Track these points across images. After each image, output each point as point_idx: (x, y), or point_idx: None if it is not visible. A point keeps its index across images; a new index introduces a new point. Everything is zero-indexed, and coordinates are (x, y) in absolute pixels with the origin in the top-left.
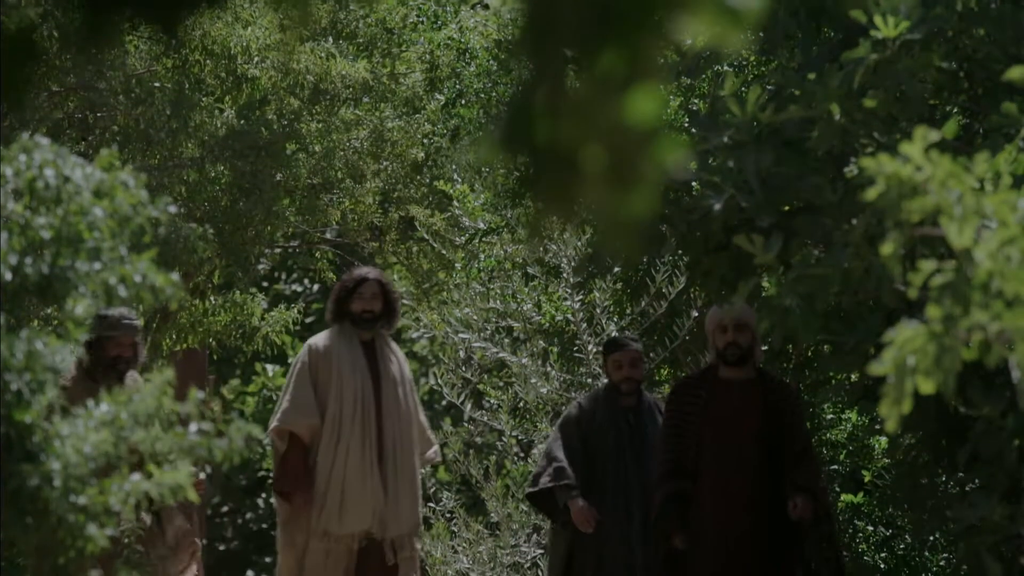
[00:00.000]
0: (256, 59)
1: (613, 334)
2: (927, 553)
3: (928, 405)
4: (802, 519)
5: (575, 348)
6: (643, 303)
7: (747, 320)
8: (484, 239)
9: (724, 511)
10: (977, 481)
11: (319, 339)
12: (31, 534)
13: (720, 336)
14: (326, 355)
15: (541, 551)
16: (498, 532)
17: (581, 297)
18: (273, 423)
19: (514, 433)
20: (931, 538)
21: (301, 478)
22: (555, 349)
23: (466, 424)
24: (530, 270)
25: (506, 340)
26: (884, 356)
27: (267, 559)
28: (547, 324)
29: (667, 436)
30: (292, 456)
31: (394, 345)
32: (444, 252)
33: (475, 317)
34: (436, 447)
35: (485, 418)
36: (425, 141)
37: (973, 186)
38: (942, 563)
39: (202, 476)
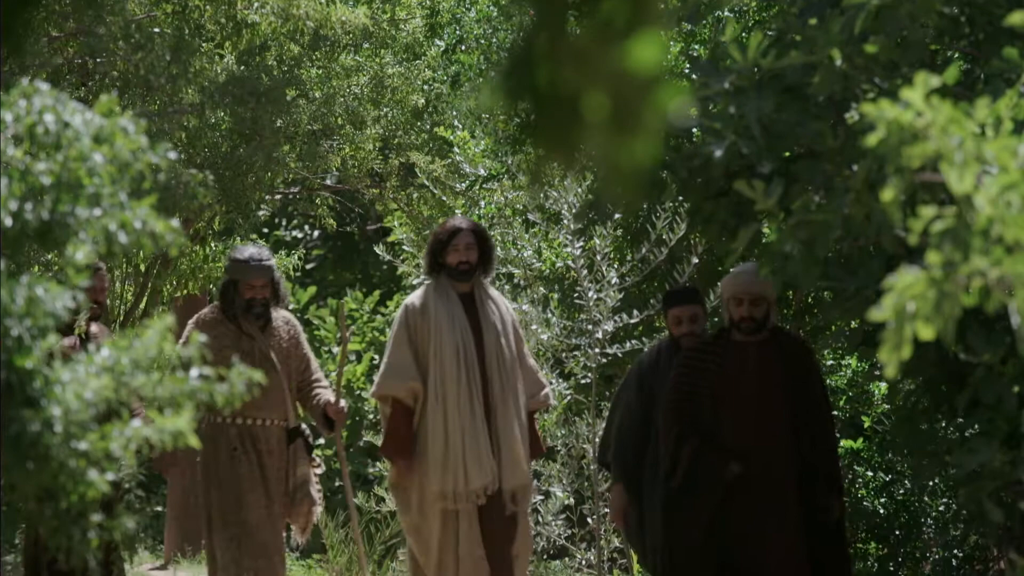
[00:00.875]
0: (256, 5)
1: (613, 280)
2: (926, 499)
3: (928, 351)
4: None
5: (576, 295)
6: (643, 249)
7: (763, 293)
8: (485, 186)
9: (745, 475)
10: (977, 427)
11: (415, 297)
12: (32, 479)
13: (735, 308)
14: (423, 312)
15: (540, 497)
16: None
17: (582, 244)
18: (372, 388)
19: None
20: (931, 484)
21: (404, 443)
22: (556, 296)
23: None
24: (531, 217)
25: (507, 287)
26: (884, 302)
27: None
28: (548, 271)
29: (679, 401)
30: (395, 421)
31: (495, 293)
32: (444, 199)
33: None
34: (547, 389)
35: None
36: (425, 87)
37: (974, 132)
38: (941, 508)
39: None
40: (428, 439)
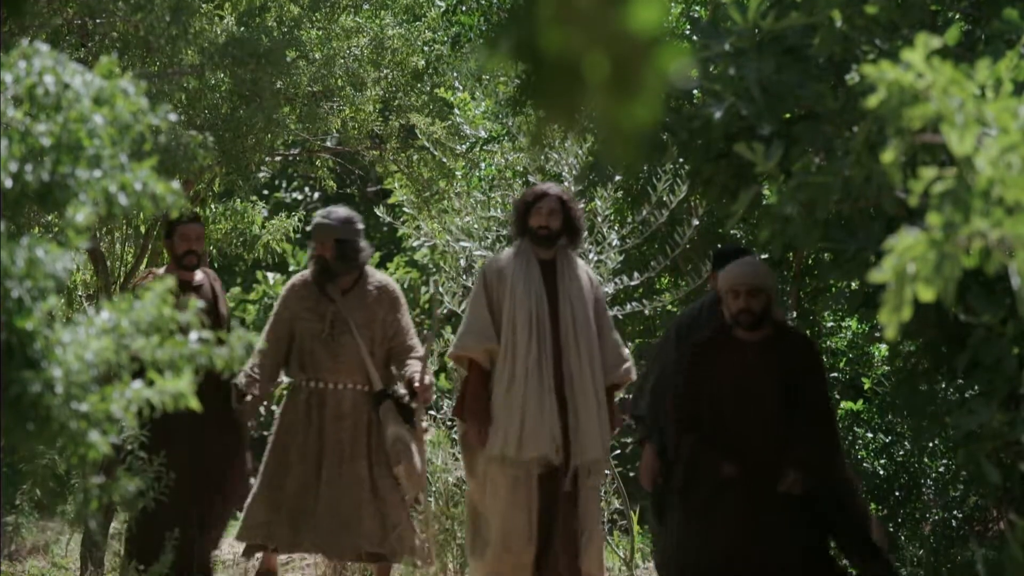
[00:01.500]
0: None
1: (613, 242)
2: (926, 459)
3: (928, 312)
4: (790, 492)
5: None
6: (644, 211)
7: (761, 284)
8: (485, 147)
9: (744, 474)
10: (976, 388)
11: (494, 259)
12: (32, 440)
13: (732, 300)
14: (500, 275)
15: None
16: None
17: (582, 205)
18: (449, 349)
19: None
20: (930, 445)
21: (480, 405)
22: None
23: None
24: (531, 178)
25: (508, 249)
26: (884, 264)
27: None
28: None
29: (684, 396)
30: (471, 381)
31: (580, 263)
32: (445, 160)
33: (476, 225)
34: (629, 364)
35: None
36: (426, 49)
37: (974, 93)
38: (941, 469)
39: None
40: (492, 402)
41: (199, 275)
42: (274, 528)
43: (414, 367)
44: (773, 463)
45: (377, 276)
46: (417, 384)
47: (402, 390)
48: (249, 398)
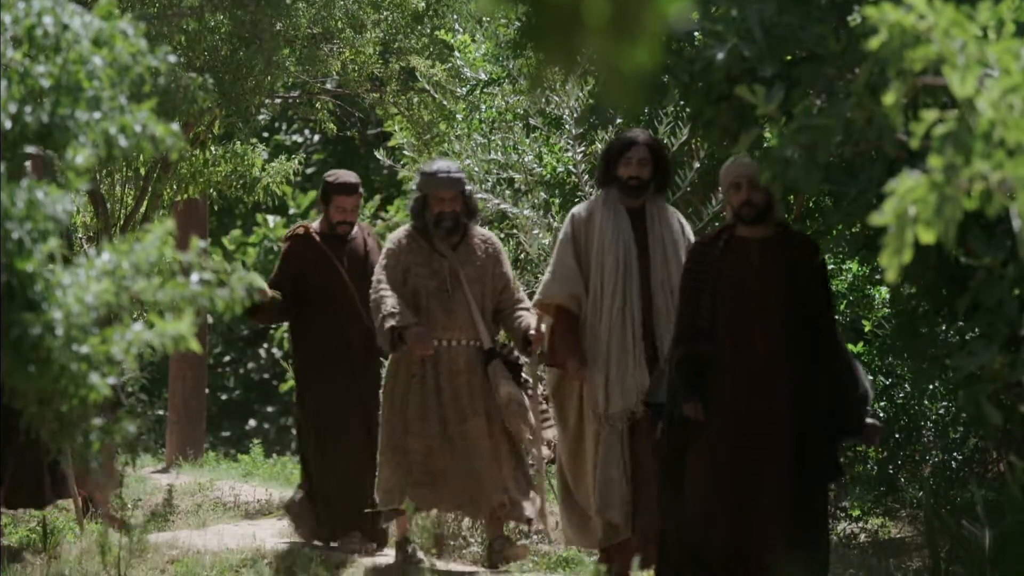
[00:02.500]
0: None
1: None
2: (926, 402)
3: (929, 255)
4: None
5: (576, 200)
6: None
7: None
8: (485, 90)
9: (744, 376)
10: (977, 330)
11: (583, 207)
12: (33, 382)
13: (734, 194)
14: (588, 223)
15: None
16: None
17: (583, 148)
18: (535, 297)
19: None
20: (930, 387)
21: (573, 346)
22: (557, 201)
23: None
24: (532, 121)
25: (507, 192)
26: (885, 206)
27: (268, 408)
28: (549, 176)
29: (683, 298)
30: (559, 329)
31: (671, 211)
32: (445, 103)
33: (476, 169)
34: None
35: None
36: None
37: (976, 35)
38: (941, 412)
39: None
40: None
41: (354, 229)
42: (408, 490)
43: (527, 318)
44: (775, 365)
45: (479, 230)
46: (533, 332)
47: (509, 345)
48: (413, 330)
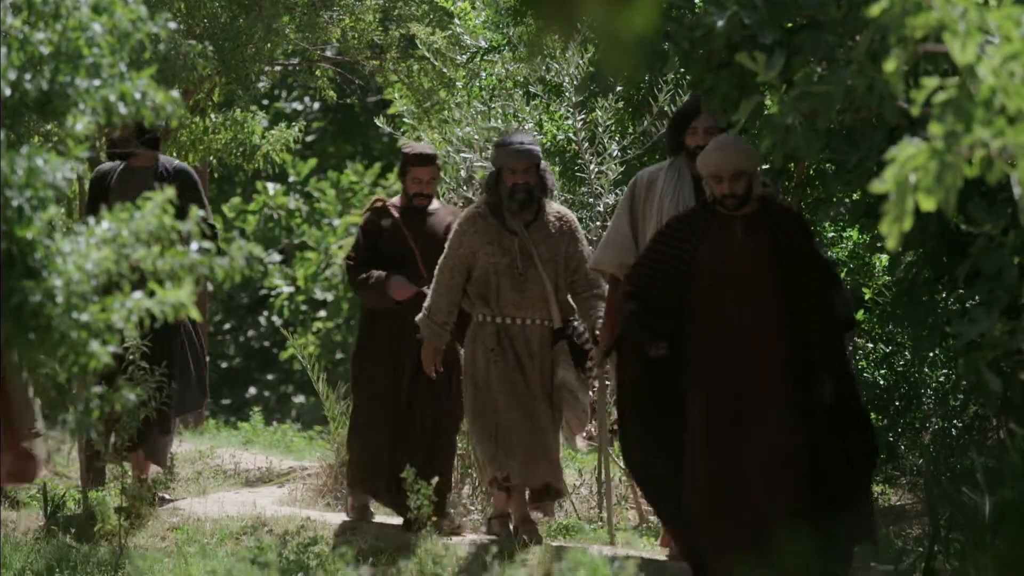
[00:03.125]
0: None
1: (614, 153)
2: (927, 369)
3: (929, 222)
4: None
5: (577, 168)
6: (645, 122)
7: (742, 167)
8: (485, 57)
9: (726, 354)
10: (977, 297)
11: (647, 171)
12: (34, 350)
13: (715, 186)
14: (650, 187)
15: None
16: None
17: (583, 116)
18: (590, 259)
19: None
20: (931, 355)
21: (612, 325)
22: (557, 168)
23: None
24: (532, 89)
25: None
26: (886, 174)
27: (269, 376)
28: (549, 143)
29: (639, 268)
30: (608, 295)
31: None
32: (445, 71)
33: (476, 136)
34: None
35: None
36: None
37: (977, 1)
38: (941, 379)
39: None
40: None
41: (435, 204)
42: (502, 462)
43: (598, 311)
44: (760, 344)
45: (554, 206)
46: (599, 332)
47: (580, 328)
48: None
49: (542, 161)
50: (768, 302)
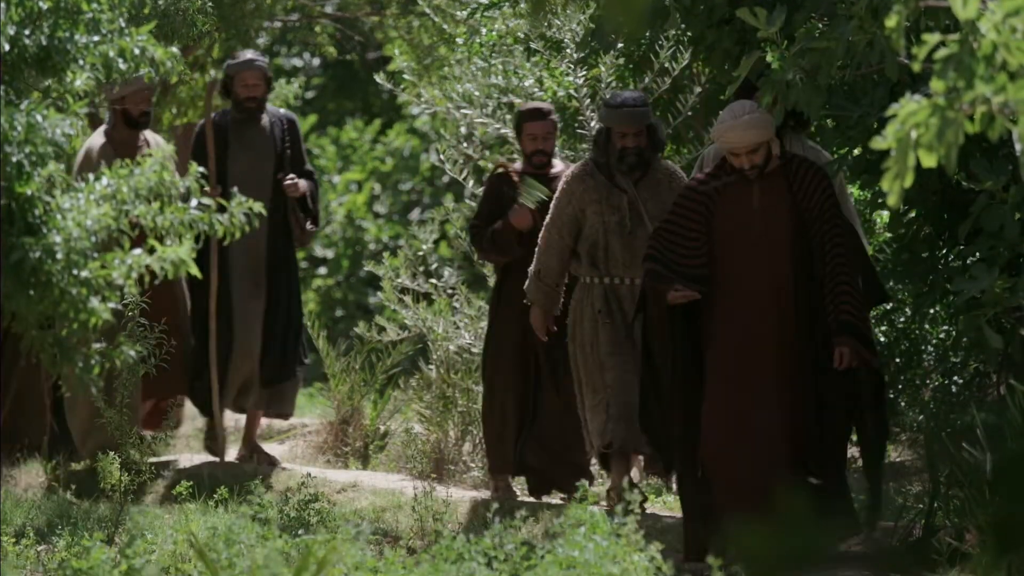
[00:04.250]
0: None
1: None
2: (927, 326)
3: (930, 179)
4: (851, 368)
5: (577, 124)
6: (646, 79)
7: (761, 139)
8: (486, 13)
9: (747, 315)
10: (978, 254)
11: (711, 149)
12: (34, 306)
13: (734, 159)
14: (715, 161)
15: None
16: None
17: (584, 73)
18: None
19: None
20: (931, 311)
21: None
22: (558, 125)
23: (468, 200)
24: (533, 45)
25: (508, 116)
26: (887, 130)
27: None
28: (549, 100)
29: (660, 231)
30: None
31: (811, 149)
32: (445, 27)
33: (477, 93)
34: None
35: None
36: None
37: None
38: (942, 336)
39: None
40: None
41: (558, 165)
42: (609, 426)
43: None
44: (779, 302)
45: (662, 162)
46: None
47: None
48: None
49: (652, 119)
50: (786, 263)
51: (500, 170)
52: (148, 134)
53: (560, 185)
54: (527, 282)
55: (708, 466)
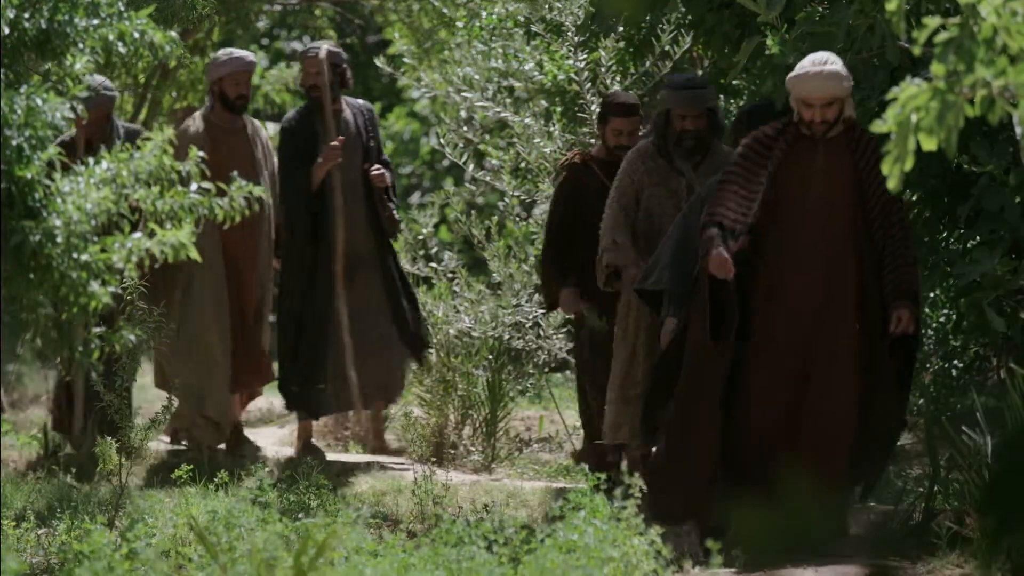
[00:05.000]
0: None
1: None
2: (928, 310)
3: (930, 162)
4: (906, 334)
5: (577, 108)
6: (647, 62)
7: (836, 94)
8: None
9: (806, 283)
10: (979, 237)
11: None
12: (34, 290)
13: (805, 110)
14: None
15: (542, 311)
16: (499, 292)
17: (584, 56)
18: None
19: (516, 193)
20: (932, 294)
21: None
22: (558, 109)
23: (468, 184)
24: (533, 28)
25: (508, 100)
26: (887, 114)
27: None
28: (549, 83)
29: (720, 193)
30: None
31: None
32: (445, 10)
33: (477, 76)
34: None
35: (487, 178)
36: None
37: None
38: (942, 319)
39: None
40: None
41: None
42: (633, 424)
43: None
44: (834, 264)
45: (722, 145)
46: None
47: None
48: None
49: (713, 101)
50: (845, 229)
51: (576, 160)
52: (248, 119)
53: (623, 164)
54: (602, 255)
55: (752, 437)
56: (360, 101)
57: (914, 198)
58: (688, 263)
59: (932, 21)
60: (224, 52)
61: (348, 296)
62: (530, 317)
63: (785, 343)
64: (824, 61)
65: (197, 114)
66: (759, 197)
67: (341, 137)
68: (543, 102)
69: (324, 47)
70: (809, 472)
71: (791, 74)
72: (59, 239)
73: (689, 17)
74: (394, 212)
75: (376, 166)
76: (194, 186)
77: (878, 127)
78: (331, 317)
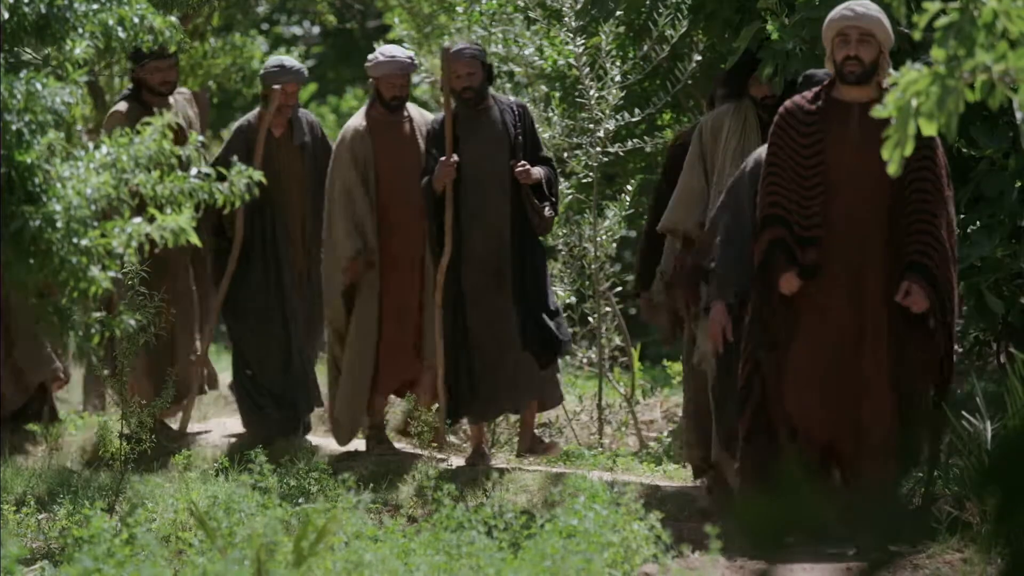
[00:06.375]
0: None
1: (615, 78)
2: None
3: None
4: (918, 309)
5: (577, 93)
6: (646, 47)
7: (874, 30)
8: None
9: (843, 261)
10: (979, 222)
11: (710, 116)
12: (34, 275)
13: (840, 47)
14: (715, 135)
15: None
16: None
17: (583, 41)
18: (661, 220)
19: None
20: None
21: (686, 282)
22: (557, 94)
23: None
24: (532, 14)
25: (508, 85)
26: (887, 98)
27: None
28: (549, 68)
29: (765, 175)
30: (679, 260)
31: None
32: None
33: None
34: None
35: None
36: None
37: None
38: None
39: None
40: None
41: None
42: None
43: None
44: (862, 243)
45: None
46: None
47: None
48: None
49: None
50: (882, 197)
51: (680, 141)
52: (413, 109)
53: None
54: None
55: (794, 422)
56: (513, 99)
57: None
58: (737, 245)
59: (932, 6)
60: (385, 51)
61: (486, 295)
62: None
63: (821, 318)
64: (864, 5)
65: (360, 111)
66: (816, 180)
67: (456, 158)
68: (543, 87)
69: (469, 46)
70: (855, 462)
71: (830, 15)
72: (59, 224)
73: (688, 1)
74: (545, 209)
75: (522, 163)
76: (194, 170)
77: (878, 112)
78: (464, 314)
